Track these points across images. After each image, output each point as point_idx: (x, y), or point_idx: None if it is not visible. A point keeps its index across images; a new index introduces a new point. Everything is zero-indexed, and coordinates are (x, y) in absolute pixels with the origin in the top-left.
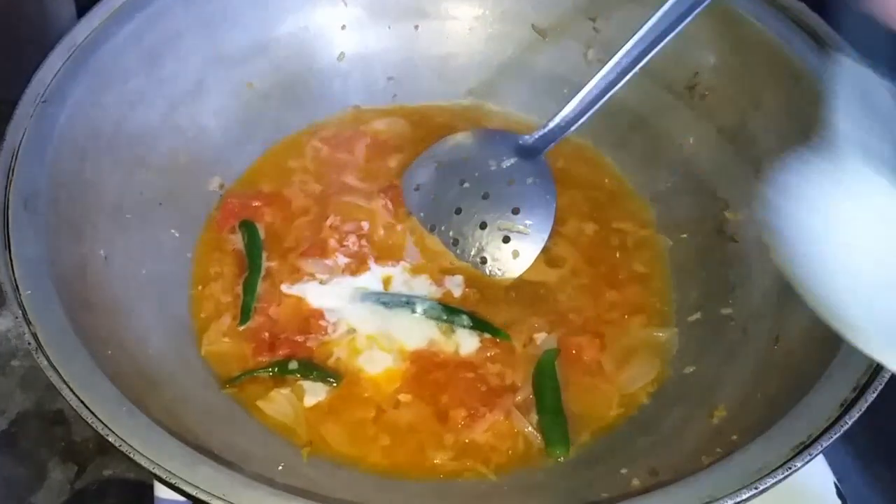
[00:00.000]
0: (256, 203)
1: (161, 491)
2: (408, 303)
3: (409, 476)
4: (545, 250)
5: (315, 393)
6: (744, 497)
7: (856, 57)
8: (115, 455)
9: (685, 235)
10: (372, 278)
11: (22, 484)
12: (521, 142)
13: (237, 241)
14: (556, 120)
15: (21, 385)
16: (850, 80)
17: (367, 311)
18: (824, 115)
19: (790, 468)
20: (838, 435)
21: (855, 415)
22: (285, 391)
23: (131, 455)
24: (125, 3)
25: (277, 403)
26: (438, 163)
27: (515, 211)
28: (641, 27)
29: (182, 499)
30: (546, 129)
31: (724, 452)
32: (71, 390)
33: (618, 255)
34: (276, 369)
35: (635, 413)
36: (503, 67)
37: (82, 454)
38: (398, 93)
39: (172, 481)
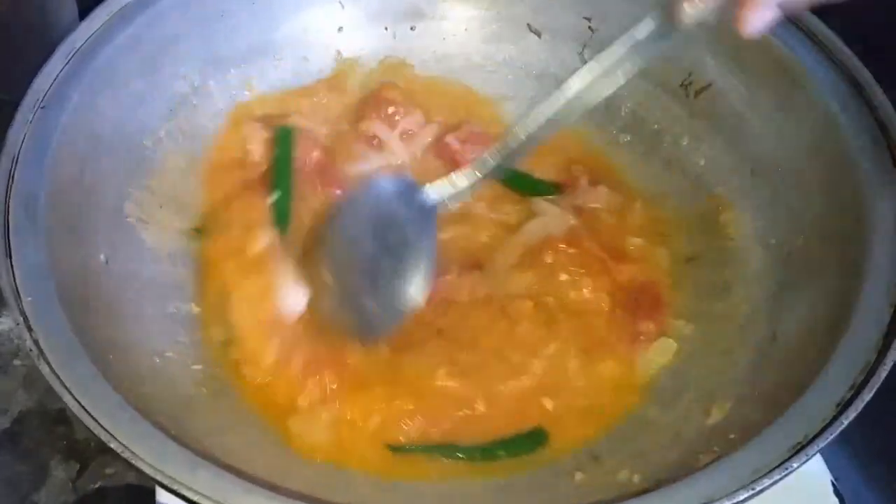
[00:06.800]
0: None
1: (162, 496)
2: None
3: None
4: None
5: None
6: (741, 498)
7: (850, 54)
8: (117, 454)
9: (681, 234)
10: None
11: (24, 482)
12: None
13: None
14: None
15: (23, 384)
16: None
17: None
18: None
19: (787, 469)
20: (834, 435)
21: (851, 415)
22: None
23: (133, 461)
24: (124, 7)
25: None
26: None
27: None
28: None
29: (182, 502)
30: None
31: (721, 452)
32: (73, 396)
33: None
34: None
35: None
36: (499, 67)
37: (84, 452)
38: None
39: (174, 487)
